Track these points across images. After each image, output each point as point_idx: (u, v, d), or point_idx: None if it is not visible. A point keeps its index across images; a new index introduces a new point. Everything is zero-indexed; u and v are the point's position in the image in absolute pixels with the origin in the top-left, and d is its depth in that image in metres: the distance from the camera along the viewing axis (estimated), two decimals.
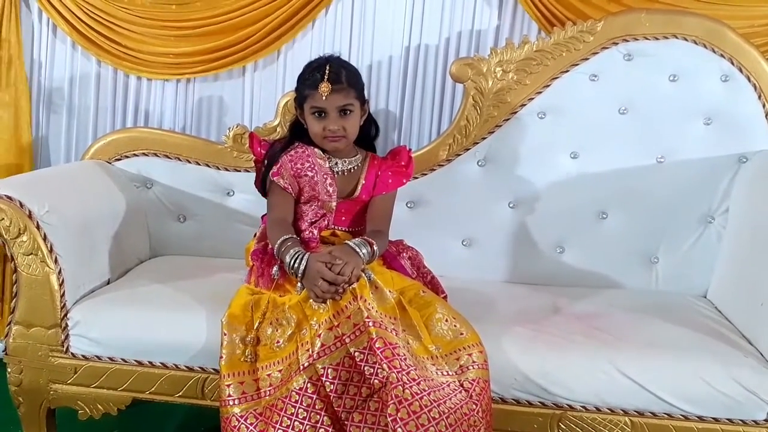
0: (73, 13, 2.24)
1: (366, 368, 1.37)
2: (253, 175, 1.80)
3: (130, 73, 2.33)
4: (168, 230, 2.17)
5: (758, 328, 1.66)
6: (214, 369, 1.62)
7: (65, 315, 1.68)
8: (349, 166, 1.73)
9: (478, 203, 2.07)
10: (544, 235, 2.06)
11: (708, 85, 1.95)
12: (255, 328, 1.50)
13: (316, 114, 1.64)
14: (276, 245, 1.54)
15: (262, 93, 2.32)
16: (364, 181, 1.73)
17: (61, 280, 1.67)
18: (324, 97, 1.60)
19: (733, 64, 1.93)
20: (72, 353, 1.69)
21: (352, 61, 2.14)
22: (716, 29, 1.93)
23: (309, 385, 1.42)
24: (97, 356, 1.69)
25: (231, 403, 1.44)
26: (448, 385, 1.41)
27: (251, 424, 1.43)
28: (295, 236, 1.58)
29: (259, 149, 1.76)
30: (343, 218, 1.73)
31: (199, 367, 1.66)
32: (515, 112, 2.03)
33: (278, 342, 1.47)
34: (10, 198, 1.63)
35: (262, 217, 1.77)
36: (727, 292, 1.90)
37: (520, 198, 2.06)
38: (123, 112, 2.38)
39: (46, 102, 2.39)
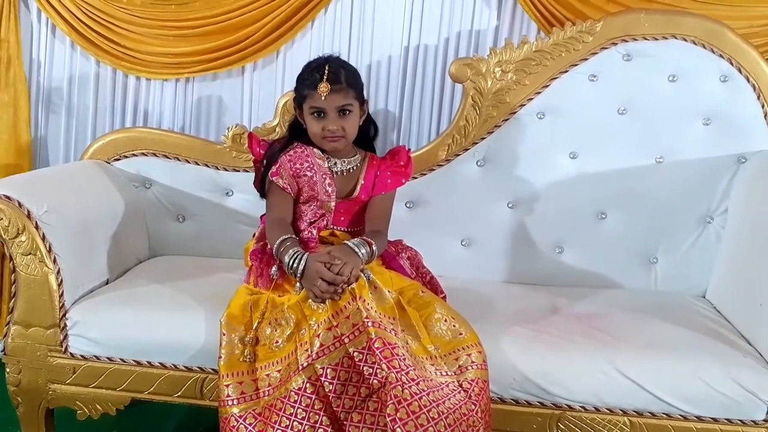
0: (72, 13, 2.24)
1: (365, 368, 1.37)
2: (252, 175, 1.80)
3: (129, 73, 2.33)
4: (167, 230, 2.17)
5: (757, 328, 1.66)
6: (212, 369, 1.62)
7: (64, 315, 1.68)
8: (348, 166, 1.73)
9: (477, 203, 2.07)
10: (544, 235, 2.06)
11: (707, 85, 1.95)
12: (254, 328, 1.50)
13: (315, 114, 1.64)
14: (275, 245, 1.54)
15: (261, 93, 2.32)
16: (363, 181, 1.73)
17: (59, 280, 1.67)
18: (323, 98, 1.60)
19: (732, 64, 1.93)
20: (71, 353, 1.69)
21: (352, 61, 2.14)
22: (715, 29, 1.93)
23: (308, 385, 1.42)
24: (95, 356, 1.68)
25: (230, 403, 1.44)
26: (447, 386, 1.41)
27: (250, 424, 1.42)
28: (294, 236, 1.58)
29: (258, 149, 1.76)
30: (342, 218, 1.73)
31: (198, 367, 1.65)
32: (514, 113, 2.03)
33: (277, 342, 1.47)
34: (8, 198, 1.63)
35: (261, 217, 1.77)
36: (726, 292, 1.90)
37: (519, 198, 2.06)
38: (122, 112, 2.38)
39: (45, 102, 2.39)
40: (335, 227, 1.72)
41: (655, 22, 1.95)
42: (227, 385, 1.45)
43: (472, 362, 1.45)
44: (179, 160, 2.13)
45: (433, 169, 2.08)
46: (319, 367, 1.41)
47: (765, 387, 1.52)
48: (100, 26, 2.24)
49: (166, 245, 2.17)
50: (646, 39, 1.96)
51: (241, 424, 1.42)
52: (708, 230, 2.00)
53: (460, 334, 1.49)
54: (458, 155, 2.06)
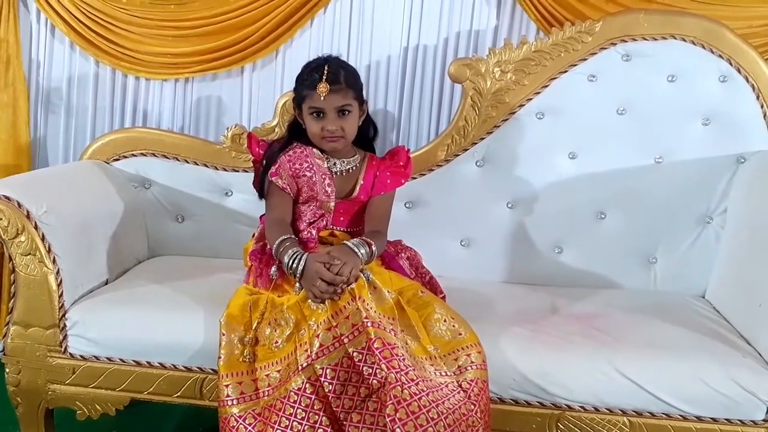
0: (71, 13, 2.24)
1: (364, 368, 1.37)
2: (251, 176, 1.80)
3: (129, 73, 2.33)
4: (166, 230, 2.17)
5: (756, 328, 1.66)
6: (212, 369, 1.62)
7: (63, 315, 1.68)
8: (348, 167, 1.73)
9: (477, 203, 2.07)
10: (543, 236, 2.06)
11: (706, 85, 1.95)
12: (253, 328, 1.50)
13: (315, 114, 1.64)
14: (274, 245, 1.54)
15: (260, 93, 2.32)
16: (362, 182, 1.73)
17: (59, 281, 1.67)
18: (322, 98, 1.60)
19: (731, 64, 1.93)
20: (70, 353, 1.69)
21: (351, 61, 2.15)
22: (715, 30, 1.93)
23: (307, 385, 1.41)
24: (95, 356, 1.68)
25: (229, 403, 1.44)
26: (447, 386, 1.41)
27: (250, 424, 1.43)
28: (293, 236, 1.58)
29: (257, 149, 1.76)
30: (342, 218, 1.73)
31: (198, 368, 1.65)
32: (514, 113, 2.03)
33: (277, 342, 1.47)
34: (8, 198, 1.63)
35: (261, 217, 1.77)
36: (725, 292, 1.90)
37: (518, 198, 2.06)
38: (121, 112, 2.38)
39: (45, 102, 2.39)
40: (334, 227, 1.72)
41: (654, 23, 1.95)
42: (227, 386, 1.45)
43: (472, 362, 1.45)
44: (178, 160, 2.13)
45: (433, 170, 2.08)
46: (318, 367, 1.41)
47: (764, 387, 1.52)
48: (100, 26, 2.24)
49: (166, 245, 2.17)
50: (645, 39, 1.96)
51: (240, 424, 1.42)
52: (707, 230, 2.00)
53: (460, 334, 1.49)
54: (457, 155, 2.06)
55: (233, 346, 1.50)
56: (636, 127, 1.99)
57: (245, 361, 1.48)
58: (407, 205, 2.09)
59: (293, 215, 1.68)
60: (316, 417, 1.40)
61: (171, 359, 1.66)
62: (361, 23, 2.24)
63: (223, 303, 1.57)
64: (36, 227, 1.63)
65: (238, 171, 2.13)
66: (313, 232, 1.66)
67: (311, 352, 1.41)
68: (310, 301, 1.46)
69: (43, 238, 1.64)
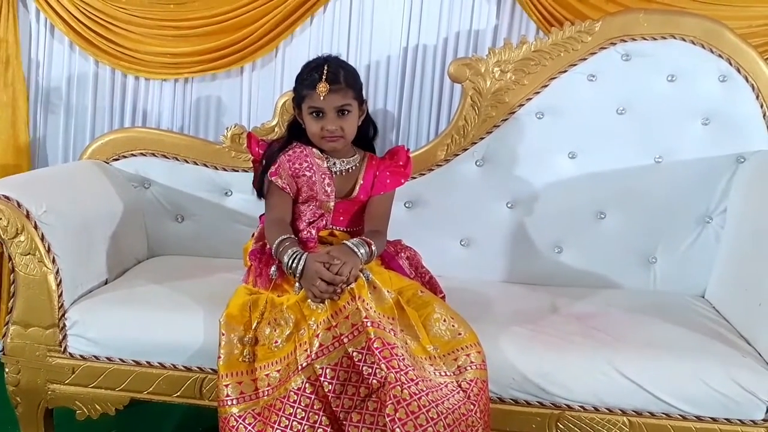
0: (71, 13, 2.24)
1: (364, 368, 1.37)
2: (251, 175, 1.80)
3: (128, 73, 2.33)
4: (166, 230, 2.17)
5: (756, 328, 1.66)
6: (212, 369, 1.62)
7: (63, 315, 1.68)
8: (347, 166, 1.73)
9: (477, 203, 2.07)
10: (542, 235, 2.06)
11: (706, 85, 1.95)
12: (253, 328, 1.50)
13: (314, 114, 1.64)
14: (274, 245, 1.54)
15: (260, 93, 2.32)
16: (362, 181, 1.73)
17: (58, 280, 1.67)
18: (322, 98, 1.60)
19: (731, 64, 1.93)
20: (70, 353, 1.69)
21: (350, 61, 2.15)
22: (714, 29, 1.93)
23: (307, 385, 1.41)
24: (94, 356, 1.68)
25: (229, 403, 1.44)
26: (446, 386, 1.41)
27: (249, 424, 1.43)
28: (293, 236, 1.58)
29: (257, 149, 1.76)
30: (341, 218, 1.73)
31: (197, 367, 1.65)
32: (513, 113, 2.03)
33: (276, 342, 1.47)
34: (7, 198, 1.62)
35: (260, 217, 1.77)
36: (725, 292, 1.90)
37: (518, 198, 2.06)
38: (121, 112, 2.38)
39: (44, 102, 2.39)
40: (334, 227, 1.72)
41: (653, 22, 1.95)
42: (226, 385, 1.45)
43: (471, 362, 1.45)
44: (178, 160, 2.13)
45: (432, 169, 2.08)
46: (318, 367, 1.41)
47: (764, 387, 1.52)
48: (99, 26, 2.24)
49: (165, 245, 2.17)
50: (645, 39, 1.96)
51: (240, 424, 1.42)
52: (707, 230, 2.00)
53: (459, 334, 1.49)
54: (457, 155, 2.06)
55: (233, 345, 1.50)
56: (636, 126, 1.99)
57: (245, 360, 1.48)
58: (407, 205, 2.09)
59: (293, 215, 1.68)
60: (316, 417, 1.40)
61: (171, 359, 1.66)
62: (361, 23, 2.24)
63: (222, 303, 1.57)
64: (35, 227, 1.63)
65: (237, 171, 2.12)
66: (313, 231, 1.65)
67: (311, 352, 1.41)
68: (309, 300, 1.46)
69: (42, 238, 1.64)
